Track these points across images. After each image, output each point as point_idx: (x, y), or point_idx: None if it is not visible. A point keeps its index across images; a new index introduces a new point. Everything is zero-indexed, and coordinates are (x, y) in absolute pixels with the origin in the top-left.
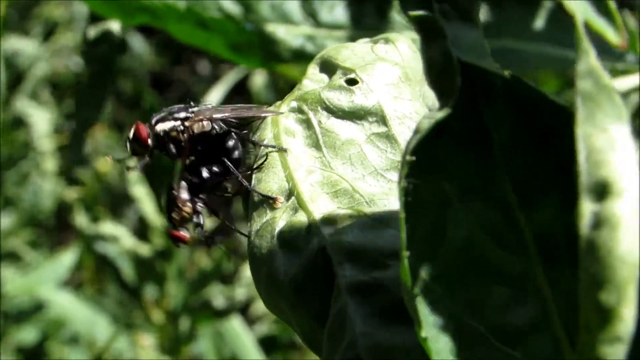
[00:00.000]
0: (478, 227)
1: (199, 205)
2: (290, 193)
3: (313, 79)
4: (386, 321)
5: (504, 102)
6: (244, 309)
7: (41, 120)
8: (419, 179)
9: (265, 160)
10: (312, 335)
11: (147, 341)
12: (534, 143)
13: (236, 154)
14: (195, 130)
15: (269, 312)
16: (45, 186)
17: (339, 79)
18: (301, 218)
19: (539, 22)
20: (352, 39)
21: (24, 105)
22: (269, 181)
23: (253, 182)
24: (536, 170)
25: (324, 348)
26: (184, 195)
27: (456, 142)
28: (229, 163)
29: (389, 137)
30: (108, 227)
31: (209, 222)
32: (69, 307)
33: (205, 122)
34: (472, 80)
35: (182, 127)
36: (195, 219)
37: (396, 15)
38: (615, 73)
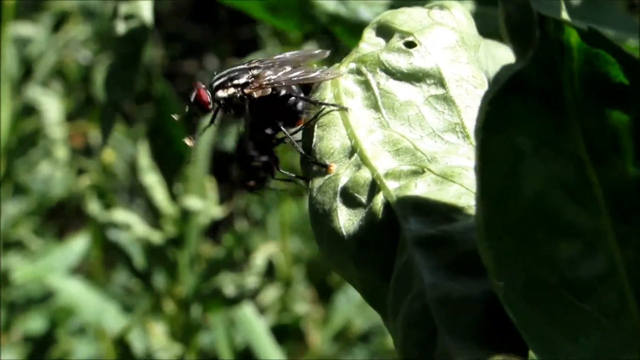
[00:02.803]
0: (551, 180)
1: (267, 158)
2: (353, 150)
3: (370, 43)
4: (454, 273)
5: (579, 57)
6: (253, 297)
7: (52, 107)
8: (495, 130)
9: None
10: (374, 290)
11: (159, 329)
12: (607, 98)
13: (299, 106)
14: (256, 96)
15: (276, 302)
16: (56, 174)
17: (397, 41)
18: (364, 174)
19: (575, 2)
20: (385, 5)
21: (35, 92)
22: (331, 139)
23: (314, 139)
24: (608, 126)
25: (389, 301)
26: (253, 152)
27: (532, 96)
28: (286, 133)
29: (446, 99)
30: (120, 214)
31: None
32: (78, 294)
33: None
34: (548, 34)
35: (242, 94)
36: (265, 171)
37: None
38: None
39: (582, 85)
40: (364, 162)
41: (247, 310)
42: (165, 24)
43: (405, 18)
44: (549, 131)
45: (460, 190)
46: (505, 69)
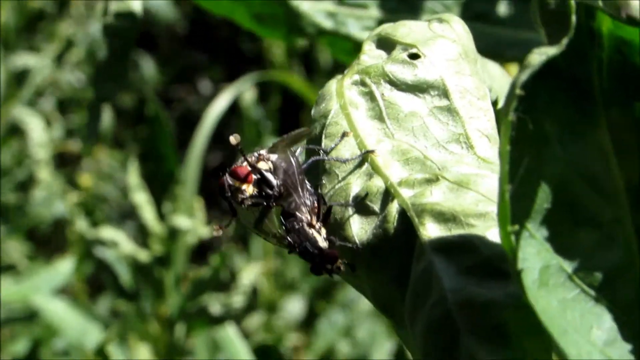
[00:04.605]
0: (574, 169)
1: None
2: (363, 159)
3: (370, 55)
4: (475, 277)
5: (609, 45)
6: (239, 319)
7: (37, 128)
8: (523, 113)
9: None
10: (387, 298)
11: (143, 348)
12: (635, 90)
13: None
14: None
15: (262, 324)
16: (41, 195)
17: (400, 53)
18: (377, 183)
19: None
20: (374, 19)
21: (20, 113)
22: (340, 149)
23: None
24: (635, 119)
25: (406, 308)
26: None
27: (561, 83)
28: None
29: (450, 111)
30: (107, 231)
31: None
32: (62, 315)
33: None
34: (580, 21)
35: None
36: None
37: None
38: None
39: (610, 74)
40: (375, 171)
41: (230, 330)
42: (160, 48)
43: (406, 31)
44: (575, 120)
45: (477, 197)
46: (538, 53)
